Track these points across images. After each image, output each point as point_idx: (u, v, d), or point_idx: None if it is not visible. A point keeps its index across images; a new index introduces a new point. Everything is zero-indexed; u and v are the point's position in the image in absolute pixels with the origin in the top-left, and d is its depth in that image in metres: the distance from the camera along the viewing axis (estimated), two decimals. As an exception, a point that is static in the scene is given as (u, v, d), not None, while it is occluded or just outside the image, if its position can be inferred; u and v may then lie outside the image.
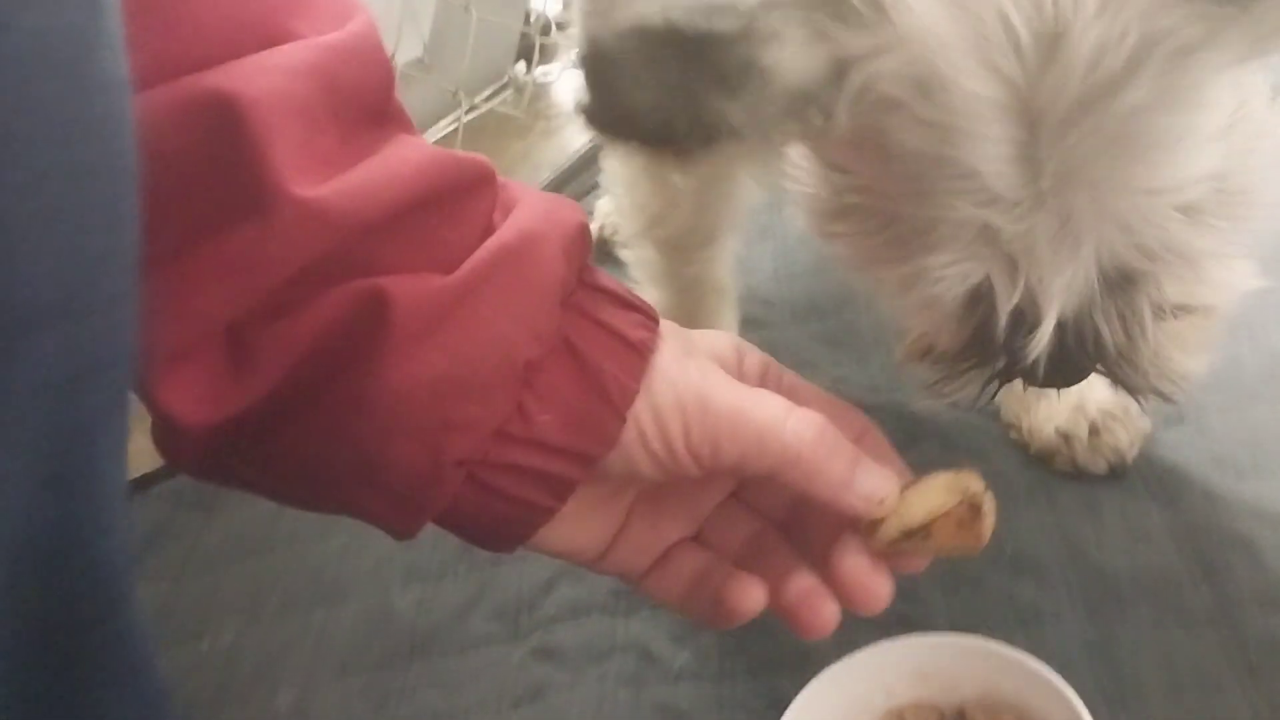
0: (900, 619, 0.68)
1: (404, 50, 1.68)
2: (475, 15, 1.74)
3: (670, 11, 0.48)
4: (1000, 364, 0.61)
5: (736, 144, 0.51)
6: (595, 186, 1.37)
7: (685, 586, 0.62)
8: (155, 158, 0.43)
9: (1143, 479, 0.89)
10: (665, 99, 0.49)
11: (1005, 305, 0.55)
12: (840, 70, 0.51)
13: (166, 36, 0.47)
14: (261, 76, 0.48)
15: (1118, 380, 0.63)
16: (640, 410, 0.54)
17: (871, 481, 0.56)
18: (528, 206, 0.56)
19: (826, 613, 0.58)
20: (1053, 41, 0.48)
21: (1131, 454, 0.90)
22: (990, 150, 0.50)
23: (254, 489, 0.56)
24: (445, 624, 0.95)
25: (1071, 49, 0.48)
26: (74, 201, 0.38)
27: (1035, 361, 0.58)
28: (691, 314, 1.00)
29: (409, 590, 0.99)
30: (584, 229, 0.57)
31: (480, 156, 0.56)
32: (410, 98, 1.70)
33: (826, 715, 0.69)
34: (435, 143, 1.92)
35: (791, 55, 0.49)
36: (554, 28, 1.92)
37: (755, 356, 0.62)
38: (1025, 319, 0.56)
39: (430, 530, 1.02)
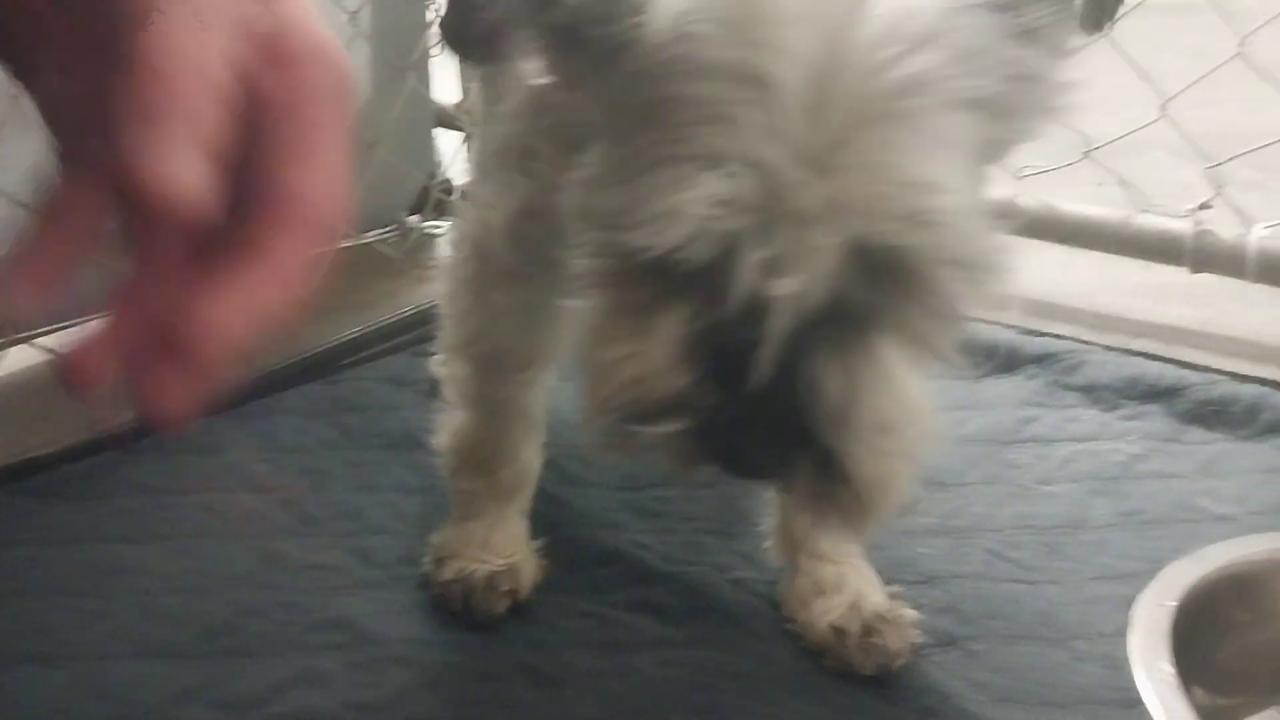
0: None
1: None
2: (380, 155, 1.78)
3: None
4: (709, 399, 0.59)
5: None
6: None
7: None
8: None
9: (904, 693, 0.89)
10: None
11: (740, 278, 0.56)
12: None
13: None
14: None
15: (827, 472, 0.61)
16: None
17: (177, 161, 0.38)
18: None
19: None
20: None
21: (898, 662, 0.90)
22: (792, 77, 0.55)
23: None
24: (160, 705, 0.87)
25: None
26: None
27: (742, 417, 0.58)
28: (497, 439, 0.99)
29: (133, 665, 0.91)
30: None
31: None
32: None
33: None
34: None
35: None
36: (454, 192, 1.98)
37: None
38: (758, 310, 0.57)
39: (177, 600, 0.98)
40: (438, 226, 1.95)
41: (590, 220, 0.63)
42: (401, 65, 1.83)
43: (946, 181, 0.57)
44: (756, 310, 0.57)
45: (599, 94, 0.64)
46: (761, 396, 0.58)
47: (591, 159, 0.64)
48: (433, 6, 1.91)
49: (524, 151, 0.81)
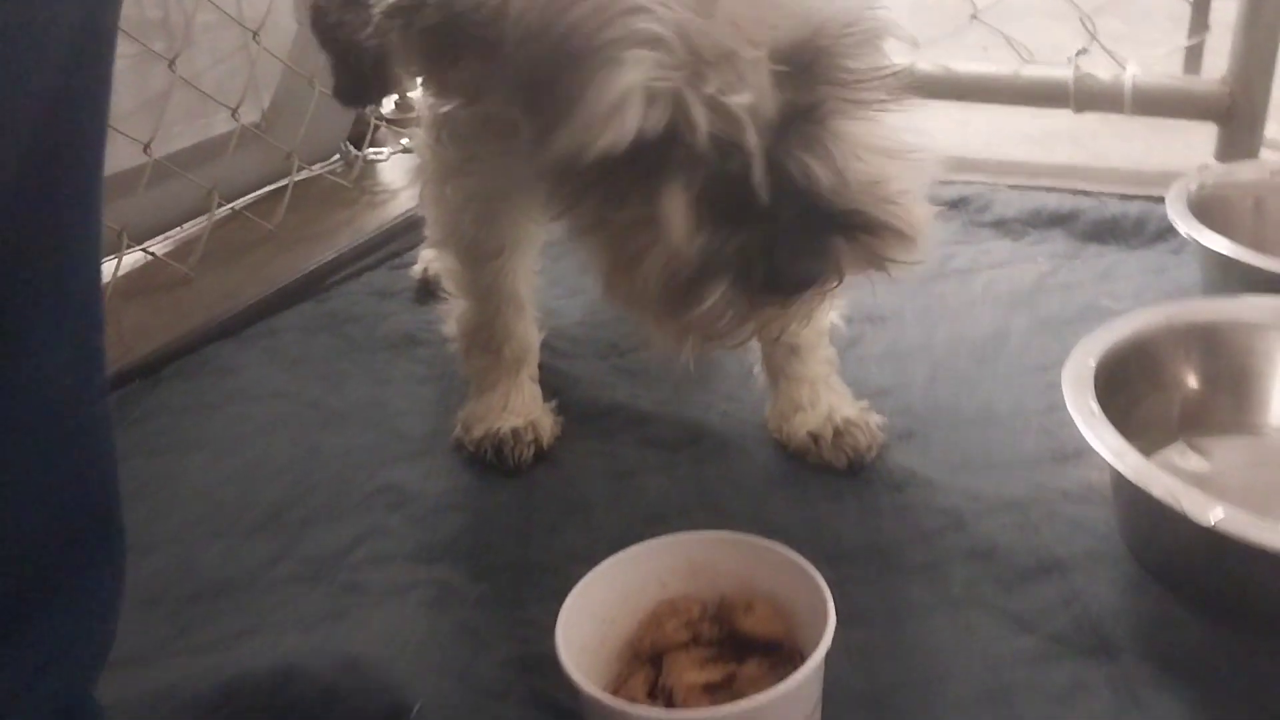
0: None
1: (245, 113, 1.79)
2: (318, 89, 1.87)
3: None
4: (734, 242, 0.67)
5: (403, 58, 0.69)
6: (420, 241, 1.49)
7: None
8: None
9: (877, 474, 1.06)
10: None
11: (700, 115, 0.65)
12: None
13: None
14: None
15: (858, 230, 0.69)
16: None
17: None
18: None
19: None
20: None
21: (869, 456, 1.07)
22: None
23: None
24: (250, 571, 1.00)
25: None
26: None
27: (777, 217, 0.66)
28: (493, 320, 1.12)
29: (213, 545, 1.04)
30: None
31: None
32: (245, 158, 1.80)
33: (605, 602, 0.80)
34: (264, 200, 1.94)
35: None
36: (384, 122, 2.08)
37: None
38: (727, 138, 0.65)
39: (237, 490, 1.10)
40: (379, 153, 2.05)
41: (553, 178, 0.71)
42: None
43: None
44: (725, 140, 0.66)
45: (495, 84, 0.73)
46: (773, 213, 0.67)
47: (520, 139, 0.72)
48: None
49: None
